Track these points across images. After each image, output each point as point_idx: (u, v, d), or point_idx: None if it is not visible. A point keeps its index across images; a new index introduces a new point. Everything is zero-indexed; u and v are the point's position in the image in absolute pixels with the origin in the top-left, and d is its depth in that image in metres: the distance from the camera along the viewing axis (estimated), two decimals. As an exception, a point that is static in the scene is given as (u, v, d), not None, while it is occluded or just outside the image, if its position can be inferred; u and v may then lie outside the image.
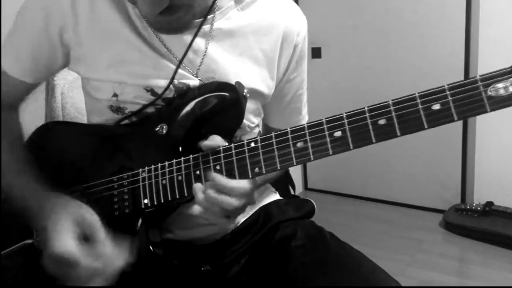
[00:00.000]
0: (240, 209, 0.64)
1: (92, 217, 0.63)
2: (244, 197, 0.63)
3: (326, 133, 0.57)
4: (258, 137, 0.62)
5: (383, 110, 0.53)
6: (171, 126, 0.71)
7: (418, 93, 0.52)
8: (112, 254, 0.61)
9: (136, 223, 0.70)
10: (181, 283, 0.77)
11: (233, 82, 0.71)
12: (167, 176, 0.68)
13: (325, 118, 0.57)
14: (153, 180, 0.69)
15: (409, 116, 0.52)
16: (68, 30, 0.72)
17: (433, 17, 2.40)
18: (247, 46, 0.75)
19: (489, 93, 0.49)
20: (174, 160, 0.68)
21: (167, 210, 0.72)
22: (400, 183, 2.73)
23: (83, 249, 0.59)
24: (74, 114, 1.07)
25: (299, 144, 0.59)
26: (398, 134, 0.53)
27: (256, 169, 0.61)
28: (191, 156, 0.66)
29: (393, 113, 0.53)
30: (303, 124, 0.60)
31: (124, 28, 0.71)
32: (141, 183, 0.70)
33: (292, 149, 0.59)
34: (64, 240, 0.59)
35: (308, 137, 0.58)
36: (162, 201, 0.68)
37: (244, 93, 0.71)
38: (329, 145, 0.56)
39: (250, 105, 0.77)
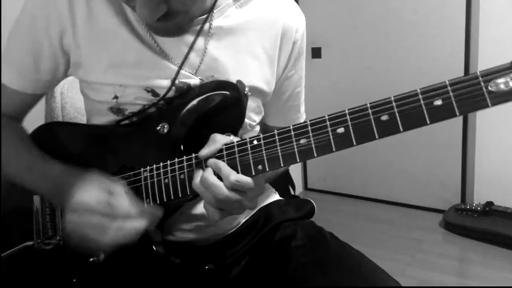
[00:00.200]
0: (237, 207, 0.63)
1: (113, 181, 0.68)
2: (242, 194, 0.61)
3: (329, 129, 0.57)
4: (261, 135, 0.62)
5: (385, 106, 0.53)
6: (172, 125, 0.71)
7: (420, 89, 0.52)
8: (129, 207, 0.64)
9: None
10: (184, 283, 0.76)
11: (233, 80, 0.71)
12: (169, 175, 0.67)
13: (328, 115, 0.57)
14: (155, 179, 0.69)
15: (411, 111, 0.52)
16: (67, 34, 0.72)
17: (433, 17, 2.41)
18: (247, 44, 0.75)
19: (490, 88, 0.49)
20: (176, 159, 0.67)
21: (169, 210, 0.72)
22: (400, 183, 2.73)
23: (103, 201, 0.64)
24: (73, 114, 1.06)
25: (302, 141, 0.58)
26: (401, 129, 0.53)
27: (259, 167, 0.61)
28: (193, 154, 0.66)
29: (395, 109, 0.53)
30: (306, 121, 0.59)
31: (122, 30, 0.70)
32: (142, 182, 0.70)
33: (295, 145, 0.59)
34: (86, 190, 0.65)
35: (311, 134, 0.58)
36: (165, 200, 0.68)
37: (245, 92, 0.71)
38: (332, 141, 0.56)
39: (251, 103, 0.76)
